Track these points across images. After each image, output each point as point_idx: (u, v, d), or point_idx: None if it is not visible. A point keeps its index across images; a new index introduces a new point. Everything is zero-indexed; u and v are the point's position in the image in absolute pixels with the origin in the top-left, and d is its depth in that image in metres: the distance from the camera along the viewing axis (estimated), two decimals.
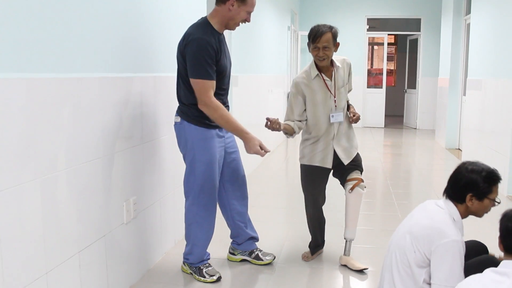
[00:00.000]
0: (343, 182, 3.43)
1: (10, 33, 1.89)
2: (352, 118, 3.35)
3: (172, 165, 3.59)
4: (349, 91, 3.47)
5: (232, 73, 3.28)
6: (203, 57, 2.82)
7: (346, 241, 3.45)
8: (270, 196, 5.39)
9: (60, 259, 2.28)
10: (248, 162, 5.26)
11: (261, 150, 3.00)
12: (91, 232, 2.55)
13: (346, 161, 3.36)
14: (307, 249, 3.60)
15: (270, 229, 4.19)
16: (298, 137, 3.56)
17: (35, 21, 2.05)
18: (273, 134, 8.26)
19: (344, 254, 3.45)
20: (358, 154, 3.45)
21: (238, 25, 3.03)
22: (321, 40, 3.18)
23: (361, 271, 3.33)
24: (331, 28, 3.22)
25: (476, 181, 2.26)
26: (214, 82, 2.90)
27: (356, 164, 3.42)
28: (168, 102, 3.46)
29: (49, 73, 2.16)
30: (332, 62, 3.31)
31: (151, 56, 3.24)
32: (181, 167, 3.61)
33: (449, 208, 2.33)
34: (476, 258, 2.37)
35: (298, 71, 10.87)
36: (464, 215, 2.35)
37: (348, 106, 3.44)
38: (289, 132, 3.32)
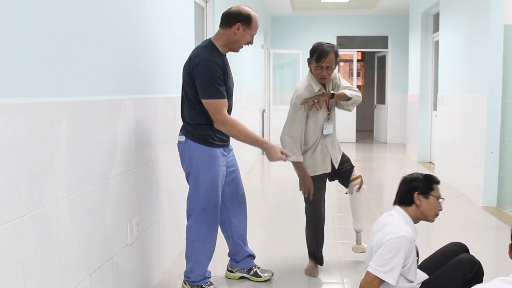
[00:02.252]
0: (346, 183, 3.69)
1: (8, 59, 1.83)
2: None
3: (169, 185, 3.63)
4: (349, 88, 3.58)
5: None
6: (212, 77, 2.89)
7: (356, 233, 3.86)
8: (256, 214, 5.45)
9: (74, 283, 2.29)
10: None
11: (283, 156, 3.11)
12: (100, 254, 2.56)
13: (336, 165, 3.59)
14: (304, 264, 3.68)
15: (264, 246, 4.25)
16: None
17: (28, 47, 2.01)
18: (248, 151, 8.37)
19: (357, 243, 3.88)
20: (343, 153, 3.72)
21: (242, 47, 3.14)
22: (326, 60, 3.29)
23: None
24: (333, 47, 3.34)
25: (417, 184, 2.56)
26: (226, 100, 2.98)
27: (350, 163, 3.71)
28: (165, 123, 3.52)
29: (47, 97, 2.08)
30: None
31: (148, 78, 3.28)
32: (178, 186, 3.65)
33: (400, 214, 2.56)
34: (457, 257, 2.53)
35: (271, 88, 11.02)
36: (415, 219, 2.58)
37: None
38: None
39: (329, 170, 3.54)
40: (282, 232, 4.65)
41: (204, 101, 2.94)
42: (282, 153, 3.11)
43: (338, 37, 12.19)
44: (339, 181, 3.74)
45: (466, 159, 6.26)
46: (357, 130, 12.58)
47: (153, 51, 3.36)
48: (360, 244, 3.87)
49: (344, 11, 11.62)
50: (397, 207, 2.59)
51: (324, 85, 3.46)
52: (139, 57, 3.11)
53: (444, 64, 7.54)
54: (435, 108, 8.46)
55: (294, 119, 3.37)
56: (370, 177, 7.83)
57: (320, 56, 3.29)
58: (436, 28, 8.45)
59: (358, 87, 15.27)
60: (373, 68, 13.43)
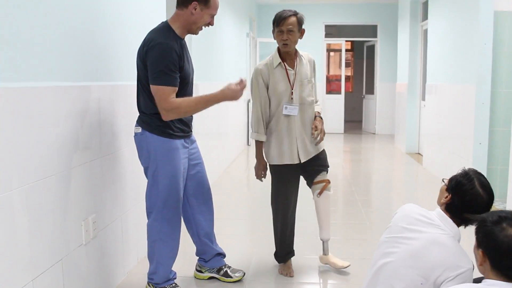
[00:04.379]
0: (310, 184, 3.39)
1: None
2: (313, 134, 3.25)
3: (133, 179, 3.39)
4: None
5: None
6: (165, 63, 2.64)
7: (323, 242, 3.46)
8: (233, 208, 5.21)
9: None
10: (209, 173, 5.08)
11: (238, 87, 2.83)
12: (46, 256, 2.32)
13: (303, 159, 3.27)
14: (278, 265, 3.45)
15: (237, 243, 4.02)
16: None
17: None
18: (235, 142, 8.11)
19: (324, 254, 3.47)
20: (323, 151, 3.39)
21: (201, 29, 2.88)
22: (286, 23, 3.12)
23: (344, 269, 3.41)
24: (296, 13, 3.19)
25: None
26: (175, 89, 2.72)
27: (322, 164, 3.37)
28: (127, 112, 3.26)
29: None
30: (296, 52, 3.27)
31: (109, 63, 3.03)
32: (143, 180, 3.41)
33: (450, 228, 2.15)
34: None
35: None
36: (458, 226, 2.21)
37: (315, 117, 3.34)
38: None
39: (296, 161, 3.26)
40: (262, 228, 4.39)
41: (152, 87, 2.68)
42: (238, 87, 2.83)
43: (326, 26, 11.94)
44: (304, 178, 3.43)
45: (454, 151, 6.06)
46: (345, 121, 12.37)
47: (115, 37, 3.10)
48: (327, 254, 3.45)
49: (333, 0, 11.35)
50: (445, 218, 2.17)
51: (292, 61, 3.24)
52: (99, 43, 2.86)
53: (433, 53, 7.33)
54: (423, 98, 8.26)
55: (254, 96, 3.25)
56: (357, 169, 7.65)
57: (280, 19, 3.14)
58: (425, 16, 8.23)
59: (348, 77, 15.08)
60: (362, 58, 13.20)
